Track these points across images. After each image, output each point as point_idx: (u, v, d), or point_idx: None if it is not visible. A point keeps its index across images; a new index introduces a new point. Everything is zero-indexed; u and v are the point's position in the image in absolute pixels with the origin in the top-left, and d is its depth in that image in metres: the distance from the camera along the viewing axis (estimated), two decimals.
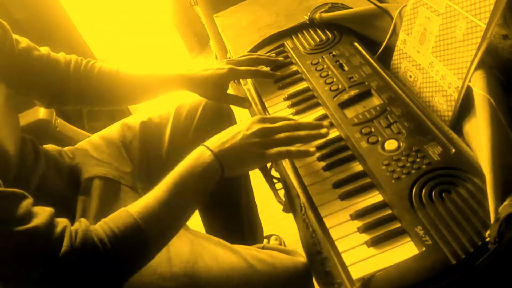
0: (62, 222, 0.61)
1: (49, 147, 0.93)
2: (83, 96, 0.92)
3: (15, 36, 0.83)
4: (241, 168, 0.72)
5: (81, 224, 0.62)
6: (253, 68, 0.93)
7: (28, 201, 0.60)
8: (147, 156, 1.00)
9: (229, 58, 0.98)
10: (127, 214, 0.63)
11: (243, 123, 0.74)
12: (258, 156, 0.70)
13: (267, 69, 0.96)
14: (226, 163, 0.69)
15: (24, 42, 0.85)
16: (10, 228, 0.56)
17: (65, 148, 0.95)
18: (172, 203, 0.66)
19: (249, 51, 1.01)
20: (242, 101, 0.97)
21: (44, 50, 0.88)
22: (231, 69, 0.91)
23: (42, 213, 0.59)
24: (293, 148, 0.72)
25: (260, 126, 0.72)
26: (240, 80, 1.04)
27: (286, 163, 0.78)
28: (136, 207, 0.65)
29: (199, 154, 0.70)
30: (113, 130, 1.02)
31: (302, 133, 0.73)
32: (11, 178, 0.70)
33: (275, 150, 0.70)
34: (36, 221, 0.58)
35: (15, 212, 0.57)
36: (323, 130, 0.74)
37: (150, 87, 0.96)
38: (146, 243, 0.64)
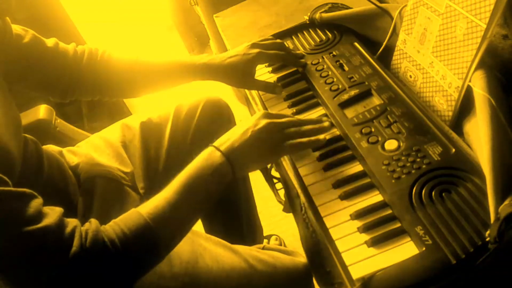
0: (72, 222, 0.60)
1: (49, 147, 0.93)
2: (100, 86, 0.91)
3: (19, 30, 0.82)
4: (253, 165, 0.71)
5: (91, 224, 0.61)
6: (282, 52, 0.91)
7: (38, 201, 0.59)
8: (147, 156, 1.00)
9: (254, 42, 0.91)
10: (138, 215, 0.63)
11: (249, 120, 0.72)
12: (272, 151, 0.70)
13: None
14: (237, 163, 0.68)
15: (28, 35, 0.83)
16: (20, 229, 0.55)
17: (65, 148, 0.95)
18: (182, 204, 0.65)
19: None
20: (273, 87, 0.90)
21: (51, 42, 0.87)
22: (260, 52, 0.88)
23: (52, 213, 0.59)
24: (304, 139, 0.72)
25: (268, 121, 0.71)
26: None
27: (286, 163, 0.78)
28: (146, 208, 0.64)
29: (208, 155, 0.68)
30: (113, 131, 1.02)
31: (307, 127, 0.73)
32: (15, 179, 0.70)
33: (289, 143, 0.70)
34: (46, 221, 0.57)
35: (24, 212, 0.56)
36: (325, 124, 0.75)
37: (170, 76, 0.93)
38: (157, 244, 0.63)
